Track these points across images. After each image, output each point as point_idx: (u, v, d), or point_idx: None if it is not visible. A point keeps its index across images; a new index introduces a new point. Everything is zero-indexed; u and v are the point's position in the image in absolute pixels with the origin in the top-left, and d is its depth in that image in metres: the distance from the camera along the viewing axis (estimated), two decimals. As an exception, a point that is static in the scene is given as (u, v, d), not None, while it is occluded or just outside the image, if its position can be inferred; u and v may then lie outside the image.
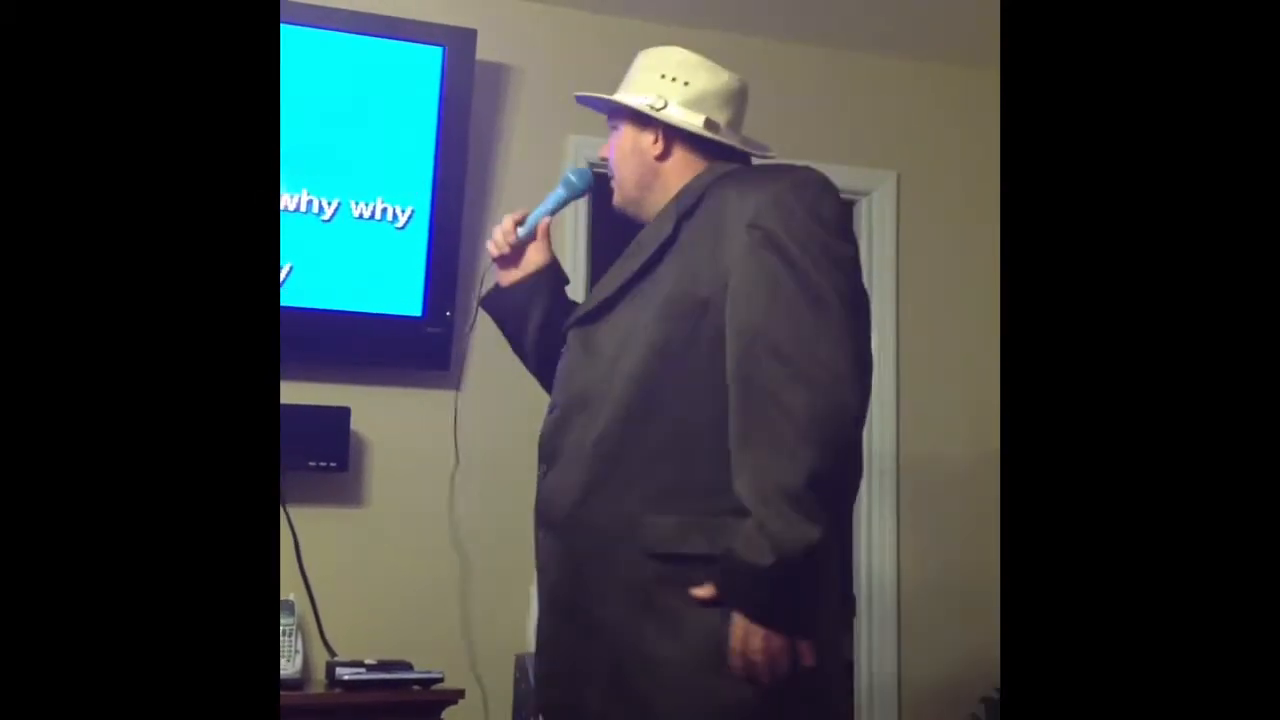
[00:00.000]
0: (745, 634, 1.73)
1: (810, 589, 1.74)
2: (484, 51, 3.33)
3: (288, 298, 3.11)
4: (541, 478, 1.97)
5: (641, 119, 2.00)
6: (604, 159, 2.08)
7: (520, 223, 2.12)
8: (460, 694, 2.90)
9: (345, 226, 3.20)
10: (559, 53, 3.55)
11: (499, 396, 3.37)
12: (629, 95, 2.01)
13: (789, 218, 1.79)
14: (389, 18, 3.26)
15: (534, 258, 2.13)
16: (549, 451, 1.96)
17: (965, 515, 3.73)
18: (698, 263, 1.84)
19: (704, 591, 1.75)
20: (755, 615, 1.72)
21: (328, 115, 3.19)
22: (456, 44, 3.27)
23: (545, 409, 2.01)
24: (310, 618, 3.13)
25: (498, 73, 3.48)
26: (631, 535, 1.80)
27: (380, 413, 3.27)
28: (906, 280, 3.81)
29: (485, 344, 3.37)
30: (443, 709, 2.90)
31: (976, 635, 3.60)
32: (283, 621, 2.93)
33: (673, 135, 1.99)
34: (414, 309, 3.25)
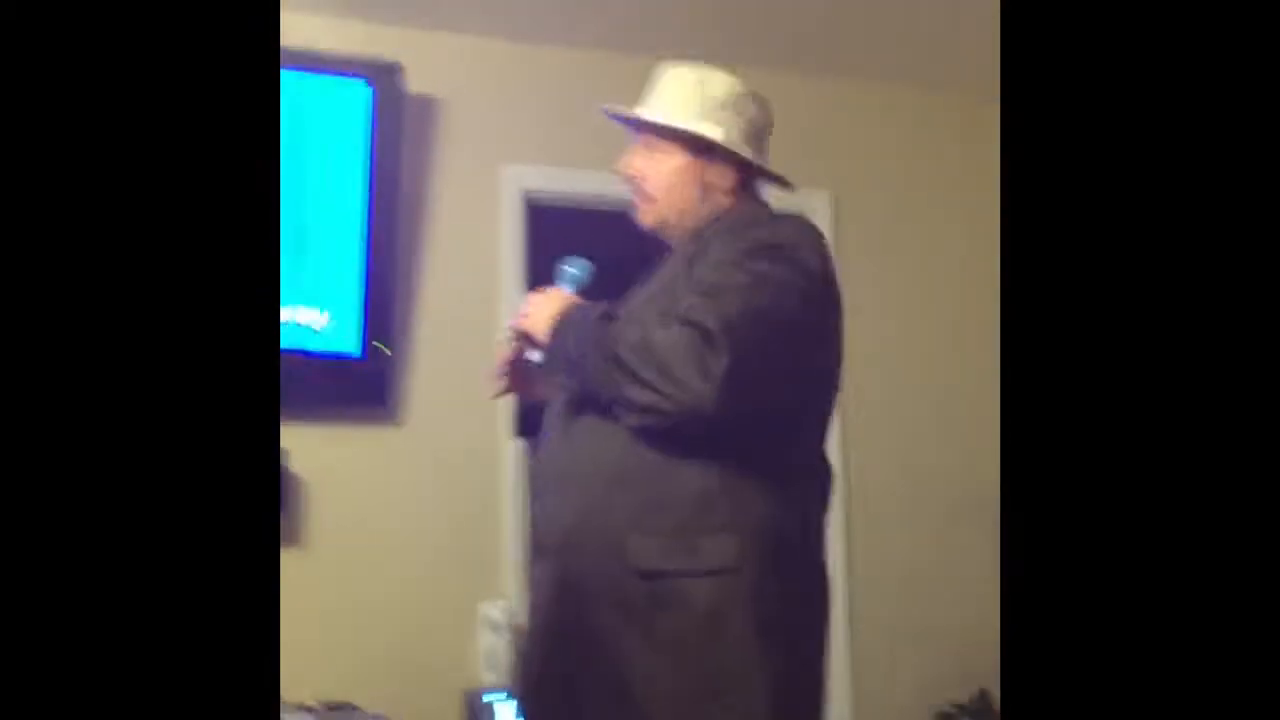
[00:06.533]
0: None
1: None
2: (411, 85, 3.31)
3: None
4: (534, 500, 1.95)
5: (702, 148, 1.94)
6: (633, 177, 2.00)
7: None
8: (406, 734, 2.87)
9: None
10: (487, 84, 3.54)
11: (438, 431, 3.35)
12: (703, 125, 1.94)
13: (774, 253, 1.82)
14: (313, 53, 3.23)
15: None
16: (540, 473, 1.95)
17: (914, 523, 3.74)
18: (685, 286, 1.83)
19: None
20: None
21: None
22: (383, 79, 3.25)
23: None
24: (253, 663, 3.08)
25: (426, 106, 3.47)
26: (620, 554, 1.78)
27: (317, 452, 3.23)
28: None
29: (423, 379, 3.37)
30: (389, 751, 2.86)
31: (928, 649, 3.60)
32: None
33: (745, 172, 1.97)
34: (351, 347, 3.23)
